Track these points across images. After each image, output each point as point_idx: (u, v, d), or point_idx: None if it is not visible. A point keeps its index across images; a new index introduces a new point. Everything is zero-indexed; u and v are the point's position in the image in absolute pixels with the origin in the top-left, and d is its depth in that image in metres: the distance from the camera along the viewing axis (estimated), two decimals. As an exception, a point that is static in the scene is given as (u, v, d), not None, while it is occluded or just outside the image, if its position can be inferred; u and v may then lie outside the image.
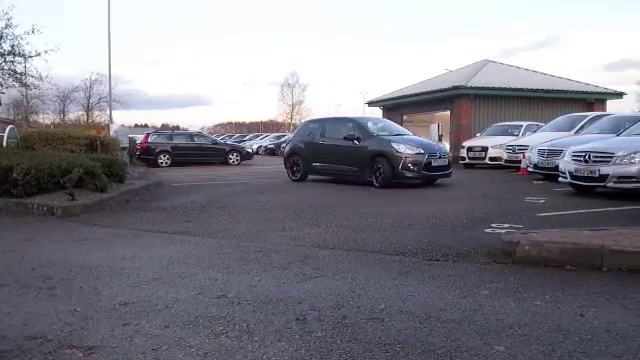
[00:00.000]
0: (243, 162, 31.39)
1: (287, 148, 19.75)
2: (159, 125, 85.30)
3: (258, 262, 6.59)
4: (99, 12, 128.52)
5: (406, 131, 18.10)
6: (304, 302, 4.96)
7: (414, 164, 15.03)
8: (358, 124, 16.89)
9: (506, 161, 20.60)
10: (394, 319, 4.48)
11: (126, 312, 4.76)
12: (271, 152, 48.24)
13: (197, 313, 4.69)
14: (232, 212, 10.95)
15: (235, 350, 3.88)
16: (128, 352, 3.88)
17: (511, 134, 23.47)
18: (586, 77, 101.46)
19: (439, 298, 5.07)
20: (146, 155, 30.26)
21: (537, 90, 34.41)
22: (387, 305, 4.85)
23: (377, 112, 42.84)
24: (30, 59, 20.24)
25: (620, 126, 14.43)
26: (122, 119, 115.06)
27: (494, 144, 22.44)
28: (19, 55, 19.87)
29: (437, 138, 28.47)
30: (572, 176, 12.30)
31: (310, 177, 18.07)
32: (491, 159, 22.36)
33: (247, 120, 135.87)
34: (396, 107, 39.02)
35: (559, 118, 21.38)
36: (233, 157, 31.29)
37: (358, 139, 16.16)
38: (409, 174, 15.07)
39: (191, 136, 33.13)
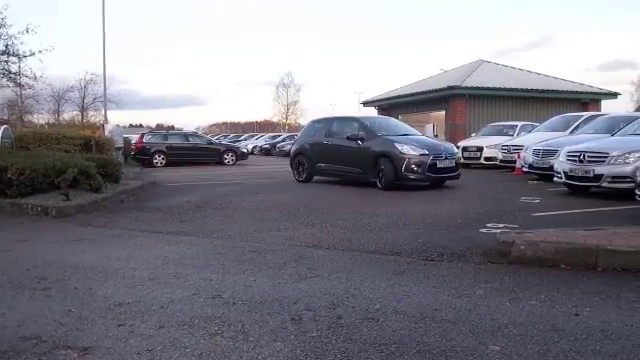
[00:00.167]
0: (238, 162, 31.35)
1: (293, 148, 19.45)
2: (154, 125, 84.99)
3: (253, 262, 6.59)
4: (94, 12, 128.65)
5: (414, 131, 17.35)
6: (299, 302, 4.96)
7: (418, 165, 14.36)
8: (362, 124, 16.37)
9: (501, 161, 20.61)
10: (389, 319, 4.48)
11: (121, 312, 4.75)
12: (266, 152, 48.25)
13: (192, 313, 4.69)
14: (227, 212, 10.94)
15: (230, 350, 3.88)
16: (123, 353, 3.87)
17: (506, 134, 23.48)
18: (580, 77, 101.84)
19: (434, 298, 5.08)
20: (141, 155, 30.22)
21: (532, 90, 34.54)
22: (382, 305, 4.85)
23: (372, 112, 42.84)
24: (24, 59, 20.23)
25: (614, 126, 14.47)
26: (117, 119, 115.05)
27: (489, 144, 22.45)
28: (13, 55, 19.86)
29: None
30: (567, 176, 12.33)
31: (315, 178, 17.78)
32: (486, 159, 22.36)
33: (242, 120, 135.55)
34: (391, 107, 39.10)
35: (554, 118, 21.40)
36: (228, 157, 31.25)
37: (362, 139, 15.62)
38: (412, 176, 14.43)
39: (186, 136, 33.07)
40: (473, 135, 26.98)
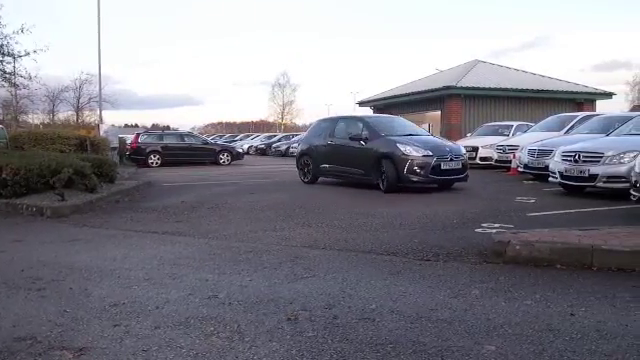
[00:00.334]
0: (234, 162, 31.29)
1: (298, 148, 19.14)
2: (149, 125, 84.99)
3: (249, 262, 6.59)
4: (89, 12, 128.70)
5: (421, 131, 16.79)
6: (295, 302, 4.96)
7: (421, 167, 13.67)
8: (366, 123, 15.68)
9: (496, 161, 20.61)
10: (385, 319, 4.48)
11: (116, 313, 4.74)
12: (262, 152, 48.20)
13: (188, 314, 4.68)
14: (223, 212, 10.93)
15: (226, 351, 3.88)
16: (118, 353, 3.87)
17: (501, 134, 23.47)
18: (575, 77, 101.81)
19: (430, 298, 5.08)
20: (136, 155, 30.15)
21: (527, 90, 34.63)
22: (378, 305, 4.85)
23: (368, 112, 42.85)
24: (19, 59, 20.11)
25: (610, 126, 14.49)
26: (112, 119, 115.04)
27: (484, 144, 22.44)
28: (8, 55, 19.75)
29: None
30: (562, 176, 12.34)
31: (321, 180, 17.31)
32: (482, 159, 22.33)
33: (238, 120, 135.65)
34: (387, 107, 39.13)
35: (549, 118, 21.42)
36: (224, 157, 31.19)
37: (365, 139, 15.00)
38: (415, 178, 13.71)
39: (181, 136, 32.99)
40: (468, 135, 27.01)
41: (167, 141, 31.00)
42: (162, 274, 6.10)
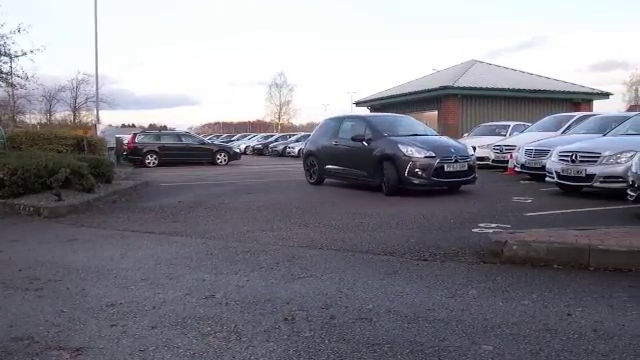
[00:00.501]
0: (231, 162, 31.27)
1: (305, 148, 18.57)
2: (146, 125, 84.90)
3: (246, 262, 6.59)
4: (86, 12, 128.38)
5: (430, 131, 16.06)
6: (292, 302, 4.96)
7: (423, 169, 13.00)
8: (369, 123, 15.03)
9: (493, 161, 20.61)
10: (382, 319, 4.49)
11: (113, 313, 4.74)
12: (259, 152, 48.24)
13: (185, 314, 4.68)
14: (220, 212, 10.93)
15: (223, 351, 3.88)
16: (115, 353, 3.87)
17: (498, 134, 23.48)
18: (572, 77, 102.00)
19: (427, 298, 5.09)
20: (133, 155, 30.12)
21: (524, 90, 34.68)
22: (375, 305, 4.86)
23: (365, 112, 42.88)
24: (16, 59, 20.11)
25: (607, 126, 14.51)
26: (109, 119, 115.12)
27: (481, 144, 22.42)
28: (5, 55, 19.74)
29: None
30: (559, 176, 12.35)
31: (327, 180, 16.75)
32: (478, 159, 22.22)
33: (235, 120, 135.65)
34: (384, 107, 39.13)
35: (546, 118, 21.44)
36: (221, 157, 31.16)
37: (369, 140, 14.34)
38: (416, 181, 13.06)
39: (179, 136, 32.95)
40: (465, 135, 27.00)
41: (164, 141, 30.97)
42: (159, 274, 6.09)
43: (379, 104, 40.79)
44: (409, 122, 16.37)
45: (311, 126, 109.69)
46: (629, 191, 9.25)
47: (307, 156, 17.59)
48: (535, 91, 35.00)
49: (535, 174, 15.41)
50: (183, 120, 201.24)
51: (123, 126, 75.40)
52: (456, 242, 7.49)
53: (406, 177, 13.10)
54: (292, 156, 39.74)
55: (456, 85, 33.26)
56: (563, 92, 36.24)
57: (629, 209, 9.73)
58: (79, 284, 5.73)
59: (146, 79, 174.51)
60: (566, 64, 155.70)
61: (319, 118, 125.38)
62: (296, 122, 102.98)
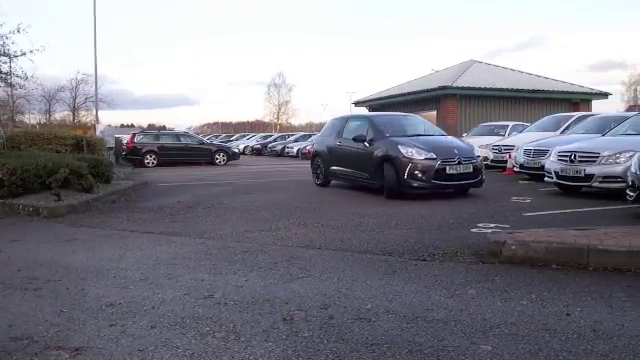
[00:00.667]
0: (230, 162, 31.27)
1: (313, 149, 17.98)
2: (145, 125, 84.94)
3: (245, 262, 6.59)
4: (85, 12, 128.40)
5: (436, 131, 15.31)
6: (291, 302, 4.97)
7: (423, 171, 12.33)
8: (372, 123, 14.42)
9: (492, 161, 20.58)
10: (381, 319, 4.49)
11: (112, 313, 4.74)
12: (257, 152, 48.29)
13: (184, 314, 4.69)
14: (219, 212, 10.93)
15: (222, 351, 3.88)
16: (114, 353, 3.87)
17: (497, 134, 23.46)
18: (571, 77, 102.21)
19: (426, 298, 5.09)
20: (132, 155, 30.12)
21: (523, 90, 34.68)
22: (374, 305, 4.86)
23: (364, 112, 42.90)
24: (16, 59, 20.06)
25: (605, 126, 14.50)
26: (108, 119, 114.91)
27: (480, 144, 22.35)
28: (4, 55, 19.68)
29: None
30: (558, 176, 12.35)
31: (334, 182, 16.15)
32: (477, 159, 22.33)
33: (234, 120, 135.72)
34: (383, 107, 39.14)
35: (545, 118, 21.44)
36: (220, 157, 31.15)
37: (370, 141, 13.76)
38: (416, 183, 12.40)
39: (178, 136, 32.94)
40: (464, 135, 26.98)
41: (163, 141, 30.97)
42: (158, 274, 6.10)
43: (378, 104, 40.78)
44: (415, 122, 15.71)
45: (310, 126, 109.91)
46: (628, 191, 9.25)
47: (314, 157, 17.17)
48: (534, 91, 35.01)
49: (534, 174, 15.41)
50: (182, 120, 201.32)
51: (122, 126, 75.36)
52: (455, 242, 7.49)
53: (405, 180, 12.46)
54: (291, 156, 39.77)
55: (455, 85, 33.27)
56: (562, 92, 36.24)
57: (628, 209, 9.74)
58: (78, 284, 5.74)
59: (145, 79, 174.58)
60: (565, 64, 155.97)
61: (318, 118, 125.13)
62: (295, 122, 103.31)
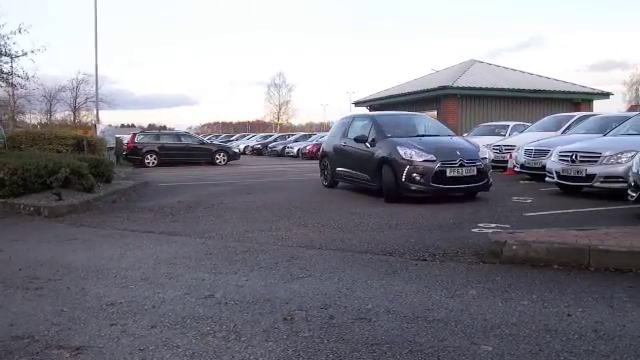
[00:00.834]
0: (230, 162, 31.27)
1: (321, 149, 17.45)
2: (146, 125, 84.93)
3: (245, 262, 6.59)
4: (86, 12, 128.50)
5: (444, 131, 14.60)
6: (291, 302, 4.96)
7: (421, 174, 11.71)
8: (374, 123, 13.86)
9: (493, 161, 20.51)
10: (381, 319, 4.48)
11: (113, 312, 4.74)
12: (258, 152, 48.31)
13: (184, 313, 4.68)
14: (219, 212, 10.92)
15: (222, 350, 3.88)
16: (115, 352, 3.87)
17: (498, 134, 23.45)
18: (571, 77, 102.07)
19: (426, 298, 5.08)
20: (133, 155, 30.13)
21: (524, 90, 34.67)
22: (374, 305, 4.85)
23: (364, 112, 42.91)
24: (17, 59, 20.05)
25: (607, 126, 14.49)
26: (109, 119, 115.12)
27: (481, 144, 22.42)
28: (5, 55, 19.68)
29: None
30: (559, 176, 12.34)
31: (341, 184, 15.62)
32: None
33: (234, 120, 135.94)
34: (383, 107, 39.12)
35: (546, 118, 21.42)
36: (220, 157, 31.15)
37: (372, 141, 13.21)
38: (414, 187, 11.77)
39: (178, 136, 32.95)
40: (465, 135, 26.99)
41: (164, 141, 30.98)
42: (158, 274, 6.09)
43: (378, 104, 40.78)
44: (422, 121, 15.10)
45: (310, 126, 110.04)
46: (629, 191, 9.23)
47: (321, 158, 16.85)
48: (535, 91, 35.00)
49: (535, 174, 15.40)
50: (182, 120, 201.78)
51: (122, 126, 75.34)
52: (455, 242, 7.48)
53: (404, 182, 11.86)
54: (291, 156, 39.76)
55: (455, 85, 33.26)
56: (563, 92, 36.24)
57: (629, 209, 9.73)
58: (79, 283, 5.74)
59: (145, 79, 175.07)
60: (565, 64, 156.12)
61: (318, 118, 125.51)
62: (295, 122, 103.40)
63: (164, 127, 58.73)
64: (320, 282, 5.67)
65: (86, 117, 68.58)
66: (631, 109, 58.59)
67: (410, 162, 11.86)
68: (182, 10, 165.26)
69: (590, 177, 11.55)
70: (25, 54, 19.86)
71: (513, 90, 34.40)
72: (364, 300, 5.01)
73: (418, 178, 11.75)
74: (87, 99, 68.83)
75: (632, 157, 10.33)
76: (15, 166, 11.72)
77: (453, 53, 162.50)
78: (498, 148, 20.34)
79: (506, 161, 19.12)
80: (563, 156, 12.31)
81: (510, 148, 19.05)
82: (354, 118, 15.97)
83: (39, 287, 5.60)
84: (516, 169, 16.85)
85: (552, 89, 35.92)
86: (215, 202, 12.49)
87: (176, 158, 30.04)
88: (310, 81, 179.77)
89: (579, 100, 36.18)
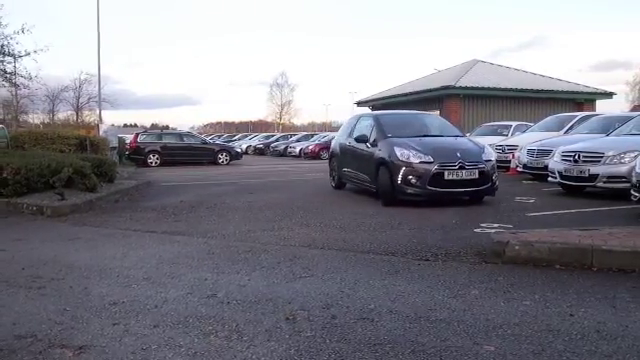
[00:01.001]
0: (232, 162, 31.27)
1: (330, 149, 16.95)
2: (148, 125, 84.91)
3: (247, 262, 6.59)
4: (88, 12, 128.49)
5: (451, 131, 13.88)
6: (293, 302, 4.96)
7: (418, 177, 11.08)
8: (376, 122, 13.22)
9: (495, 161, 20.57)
10: (384, 319, 4.48)
11: (116, 312, 4.74)
12: (260, 152, 48.30)
13: (186, 313, 4.68)
14: (221, 212, 10.93)
15: (224, 350, 3.88)
16: (118, 351, 3.87)
17: (500, 134, 23.41)
18: (574, 77, 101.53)
19: (429, 298, 5.08)
20: (135, 155, 30.16)
21: (526, 90, 34.63)
22: (377, 305, 4.85)
23: (367, 112, 42.90)
24: (20, 59, 20.10)
25: (610, 126, 14.47)
26: (111, 119, 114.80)
27: (486, 145, 22.39)
28: (9, 55, 19.74)
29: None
30: (562, 176, 12.33)
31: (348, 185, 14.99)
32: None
33: (236, 120, 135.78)
34: (385, 107, 39.00)
35: (548, 118, 21.39)
36: (222, 157, 31.16)
37: (374, 141, 12.64)
38: (410, 190, 11.14)
39: (180, 136, 32.98)
40: (467, 135, 26.98)
41: (166, 141, 31.01)
42: (161, 273, 6.10)
43: (380, 104, 40.75)
44: (427, 121, 14.62)
45: (312, 126, 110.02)
46: (633, 191, 9.22)
47: (330, 158, 16.50)
48: (538, 91, 34.97)
49: (537, 174, 15.40)
50: (185, 120, 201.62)
51: (125, 126, 75.62)
52: (458, 242, 7.48)
53: (399, 185, 11.23)
54: (293, 156, 39.73)
55: (458, 85, 33.25)
56: (566, 92, 36.21)
57: (633, 209, 9.72)
58: (82, 283, 5.74)
59: (147, 79, 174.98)
60: (567, 64, 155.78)
61: (320, 118, 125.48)
62: (297, 122, 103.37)
63: (167, 127, 59.00)
64: (322, 282, 5.67)
65: (89, 117, 68.69)
66: (634, 109, 58.51)
67: (406, 163, 11.27)
68: (182, 10, 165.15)
69: (593, 177, 11.53)
70: (28, 54, 19.93)
71: (516, 90, 34.37)
72: (366, 300, 5.01)
73: (414, 181, 11.14)
74: (90, 99, 68.81)
75: (635, 157, 10.32)
76: (18, 166, 11.75)
77: (455, 53, 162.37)
78: (501, 148, 20.30)
79: (509, 161, 19.10)
80: (566, 156, 12.29)
81: (513, 148, 19.02)
82: (360, 117, 15.41)
83: (42, 286, 5.61)
84: (519, 169, 16.84)
85: (555, 89, 35.89)
86: (217, 202, 12.50)
87: (178, 158, 30.05)
88: (312, 81, 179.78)
89: (582, 100, 36.15)
